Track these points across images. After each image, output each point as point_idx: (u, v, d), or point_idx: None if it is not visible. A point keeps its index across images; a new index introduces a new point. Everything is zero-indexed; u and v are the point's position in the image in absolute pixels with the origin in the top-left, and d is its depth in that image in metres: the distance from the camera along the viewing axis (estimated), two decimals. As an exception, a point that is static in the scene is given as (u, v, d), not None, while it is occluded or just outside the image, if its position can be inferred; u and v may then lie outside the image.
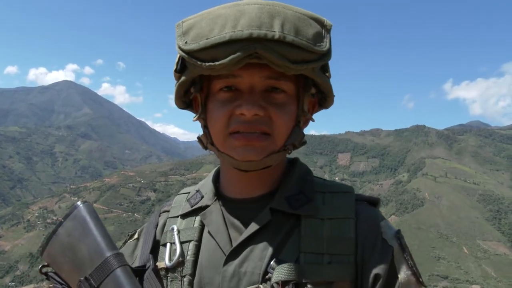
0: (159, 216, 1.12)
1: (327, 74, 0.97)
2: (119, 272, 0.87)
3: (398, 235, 0.96)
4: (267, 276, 0.88)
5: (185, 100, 1.03)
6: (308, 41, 0.86)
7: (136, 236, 1.13)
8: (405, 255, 0.93)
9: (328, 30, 0.92)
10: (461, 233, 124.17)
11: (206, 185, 1.09)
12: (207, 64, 0.85)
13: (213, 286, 0.92)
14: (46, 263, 0.97)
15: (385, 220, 0.97)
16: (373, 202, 1.02)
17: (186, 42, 0.87)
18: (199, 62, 0.86)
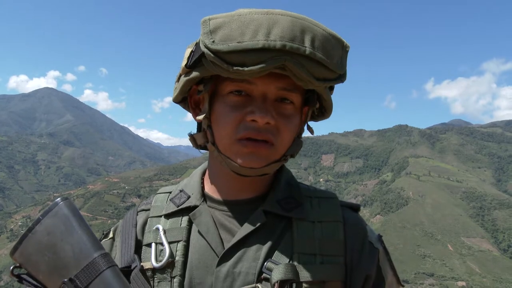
0: (137, 215, 1.09)
1: (331, 91, 1.01)
2: (108, 273, 0.83)
3: (381, 238, 1.03)
4: (262, 276, 0.89)
5: (184, 95, 1.03)
6: (332, 61, 0.88)
7: (111, 235, 1.10)
8: (387, 257, 1.01)
9: (347, 52, 0.94)
10: (445, 231, 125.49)
11: (191, 185, 1.08)
12: (234, 68, 0.84)
13: (205, 287, 0.92)
14: (17, 264, 0.89)
15: (368, 225, 1.04)
16: (355, 208, 1.06)
17: (213, 41, 0.85)
18: (225, 65, 0.85)
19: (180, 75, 0.99)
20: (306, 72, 0.85)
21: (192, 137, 1.06)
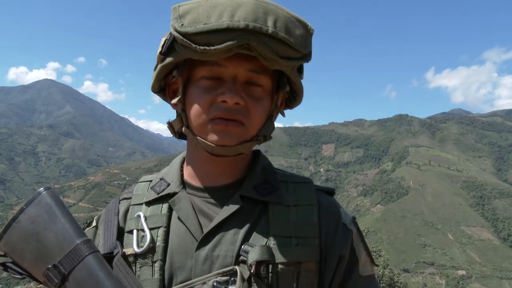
0: (119, 203, 1.12)
1: (301, 75, 1.05)
2: (90, 258, 0.85)
3: (355, 220, 1.06)
4: (239, 259, 0.93)
5: (160, 83, 1.07)
6: (295, 40, 0.92)
7: (94, 223, 1.14)
8: (361, 238, 1.05)
9: (311, 34, 0.99)
10: (445, 220, 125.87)
11: (171, 173, 1.12)
12: (201, 47, 0.88)
13: (185, 270, 0.95)
14: (2, 253, 0.91)
15: (342, 208, 1.07)
16: (330, 192, 1.10)
17: (182, 25, 0.90)
18: (193, 45, 0.89)
19: (157, 65, 1.03)
20: (270, 50, 0.89)
21: (170, 124, 1.09)
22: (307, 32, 0.98)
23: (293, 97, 1.10)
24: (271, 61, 0.91)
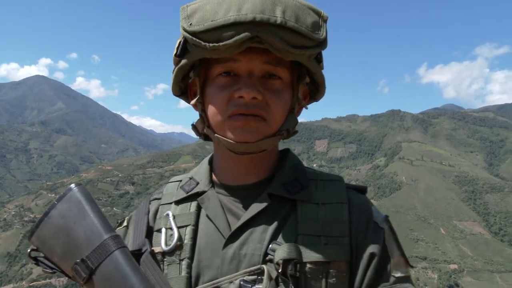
0: (149, 203, 1.13)
1: (320, 65, 1.02)
2: (118, 253, 0.87)
3: (387, 219, 1.02)
4: (267, 258, 0.91)
5: (181, 86, 1.07)
6: (307, 28, 0.90)
7: (125, 223, 1.15)
8: (394, 237, 1.00)
9: (325, 21, 0.96)
10: (438, 215, 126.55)
11: (200, 172, 1.12)
12: (211, 44, 0.88)
13: (212, 269, 0.95)
14: (34, 247, 0.93)
15: (374, 206, 1.04)
16: (362, 190, 1.07)
17: (190, 24, 0.90)
18: (203, 43, 0.89)
19: (174, 68, 1.03)
20: (280, 41, 0.87)
21: (194, 126, 1.09)
22: (321, 19, 0.95)
23: (315, 89, 1.08)
24: (284, 52, 0.90)
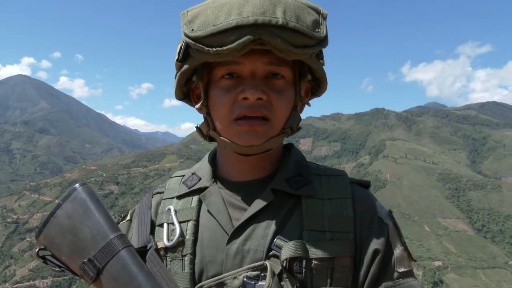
0: (152, 197, 1.13)
1: (321, 61, 1.03)
2: (124, 253, 0.88)
3: (391, 214, 1.04)
4: (270, 253, 0.92)
5: (183, 90, 1.07)
6: (308, 27, 0.91)
7: (128, 217, 1.15)
8: (398, 233, 1.01)
9: (324, 18, 0.97)
10: (422, 212, 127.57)
11: (202, 168, 1.12)
12: (214, 49, 0.88)
13: (216, 264, 0.95)
14: (42, 247, 0.95)
15: (378, 201, 1.05)
16: (365, 185, 1.08)
17: (192, 30, 0.91)
18: (206, 48, 0.89)
19: (176, 73, 1.03)
20: (283, 41, 0.87)
21: (198, 129, 1.09)
22: (321, 17, 0.96)
23: (317, 85, 1.09)
24: (287, 52, 0.90)
